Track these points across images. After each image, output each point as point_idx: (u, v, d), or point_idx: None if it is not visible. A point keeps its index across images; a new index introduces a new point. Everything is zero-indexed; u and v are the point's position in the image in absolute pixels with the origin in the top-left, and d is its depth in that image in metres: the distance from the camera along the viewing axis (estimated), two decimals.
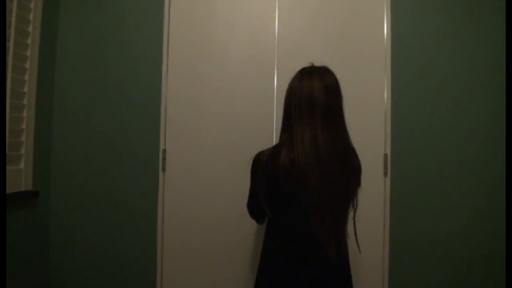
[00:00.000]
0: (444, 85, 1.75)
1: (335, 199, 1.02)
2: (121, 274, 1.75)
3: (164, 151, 1.75)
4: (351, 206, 1.12)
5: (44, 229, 1.73)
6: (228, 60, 1.77)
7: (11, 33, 1.46)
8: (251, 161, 1.15)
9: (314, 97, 1.06)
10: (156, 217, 1.75)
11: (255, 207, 1.19)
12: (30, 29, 1.59)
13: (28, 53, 1.58)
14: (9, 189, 1.44)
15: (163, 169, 1.75)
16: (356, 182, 1.10)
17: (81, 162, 1.77)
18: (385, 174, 1.73)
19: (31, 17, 1.59)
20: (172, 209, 1.75)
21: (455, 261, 1.72)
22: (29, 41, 1.58)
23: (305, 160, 1.00)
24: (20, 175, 1.55)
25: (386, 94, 1.74)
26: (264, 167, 1.06)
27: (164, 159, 1.75)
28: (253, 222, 1.45)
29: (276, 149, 1.09)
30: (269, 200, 1.08)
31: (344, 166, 1.04)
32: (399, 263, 1.72)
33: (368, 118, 1.74)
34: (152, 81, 1.78)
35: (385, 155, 1.73)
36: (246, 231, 1.72)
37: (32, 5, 1.59)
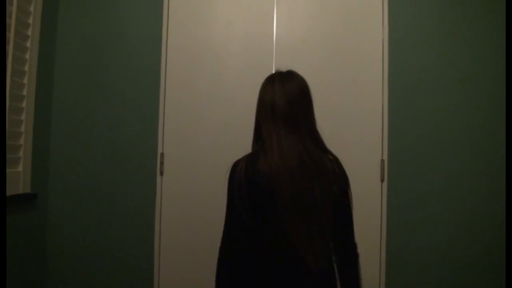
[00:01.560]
0: (441, 90, 1.76)
1: (308, 209, 0.99)
2: (118, 277, 1.76)
3: (162, 155, 1.76)
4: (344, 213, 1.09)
5: (42, 231, 1.74)
6: (225, 65, 1.78)
7: (11, 36, 1.47)
8: (228, 173, 1.08)
9: (275, 106, 1.04)
10: (153, 220, 1.75)
11: (235, 232, 1.10)
12: (29, 33, 1.59)
13: (27, 56, 1.59)
14: (8, 192, 1.44)
15: (161, 173, 1.76)
16: (337, 188, 1.04)
17: (79, 165, 1.78)
18: (382, 179, 1.73)
19: (30, 21, 1.60)
20: (169, 212, 1.75)
21: (452, 266, 1.72)
22: (28, 44, 1.59)
23: (277, 170, 0.99)
24: (19, 178, 1.56)
25: (383, 98, 1.75)
26: (244, 173, 1.02)
27: (162, 163, 1.76)
28: None
29: (253, 155, 1.07)
30: (249, 209, 1.02)
31: (316, 174, 1.01)
32: (396, 269, 1.72)
33: (365, 123, 1.74)
34: (150, 85, 1.78)
35: (382, 161, 1.74)
36: None
37: (31, 9, 1.60)
